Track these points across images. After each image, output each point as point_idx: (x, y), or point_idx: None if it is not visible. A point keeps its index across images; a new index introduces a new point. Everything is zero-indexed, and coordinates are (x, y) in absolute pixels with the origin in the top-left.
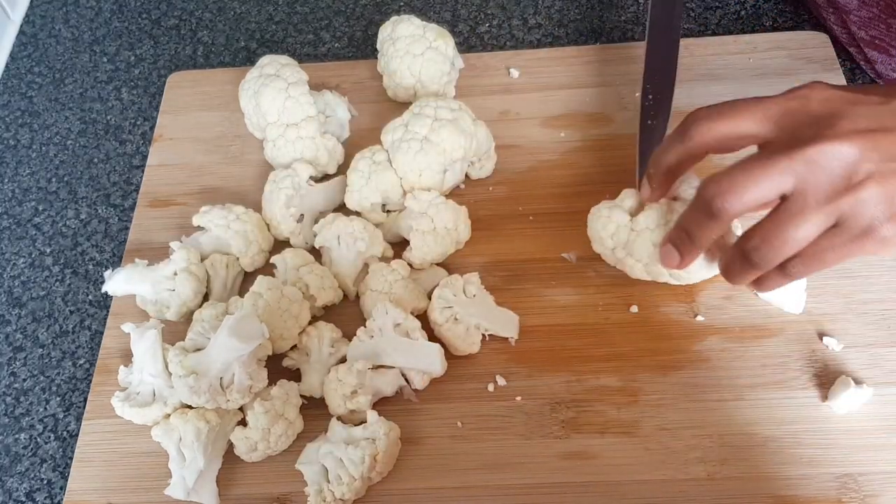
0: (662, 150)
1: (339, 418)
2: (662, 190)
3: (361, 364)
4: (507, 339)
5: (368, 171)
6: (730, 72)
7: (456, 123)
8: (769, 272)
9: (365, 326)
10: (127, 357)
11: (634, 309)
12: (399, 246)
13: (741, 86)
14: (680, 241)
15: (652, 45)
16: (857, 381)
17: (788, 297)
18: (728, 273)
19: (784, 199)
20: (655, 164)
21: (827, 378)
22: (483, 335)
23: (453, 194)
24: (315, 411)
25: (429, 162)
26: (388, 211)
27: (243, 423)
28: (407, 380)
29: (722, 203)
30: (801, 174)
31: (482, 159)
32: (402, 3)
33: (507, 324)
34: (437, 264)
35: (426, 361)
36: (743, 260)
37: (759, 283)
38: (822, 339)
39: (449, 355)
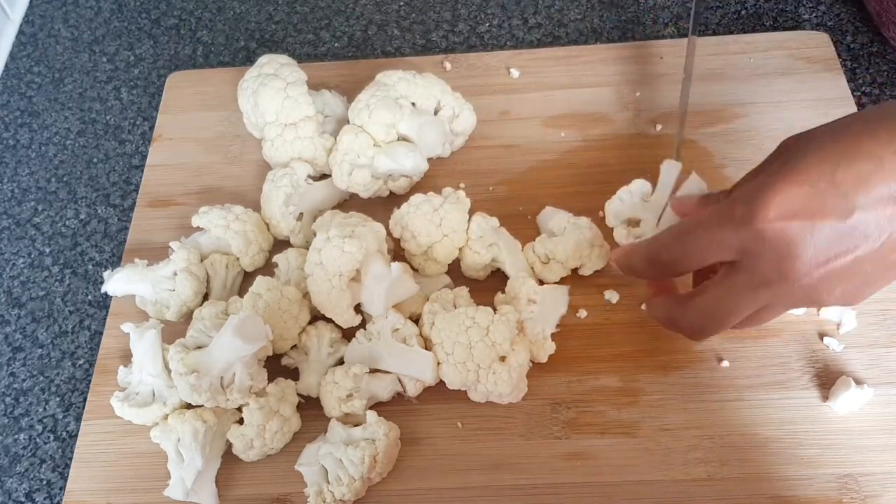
0: (640, 265)
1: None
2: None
3: (358, 368)
4: None
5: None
6: (730, 72)
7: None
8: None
9: (364, 329)
10: (126, 357)
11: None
12: (399, 245)
13: (741, 86)
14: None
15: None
16: (858, 382)
17: None
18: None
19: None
20: (631, 271)
21: (828, 378)
22: None
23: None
24: (314, 411)
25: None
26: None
27: (241, 423)
28: (402, 385)
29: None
30: (767, 300)
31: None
32: (402, 3)
33: None
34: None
35: (418, 369)
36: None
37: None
38: (822, 340)
39: None
